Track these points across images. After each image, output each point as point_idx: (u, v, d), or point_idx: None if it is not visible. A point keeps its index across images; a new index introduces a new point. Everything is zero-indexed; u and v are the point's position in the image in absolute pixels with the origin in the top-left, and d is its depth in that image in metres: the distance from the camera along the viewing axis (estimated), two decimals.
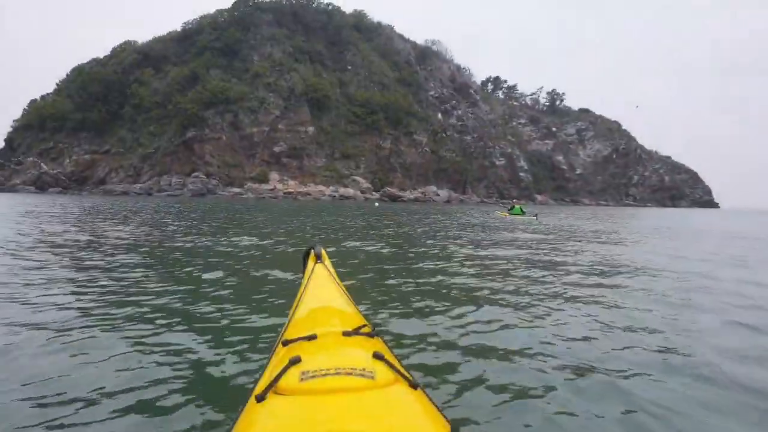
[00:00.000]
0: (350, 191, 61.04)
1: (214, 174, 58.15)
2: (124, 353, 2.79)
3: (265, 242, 8.99)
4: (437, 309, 4.03)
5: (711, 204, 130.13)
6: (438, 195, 69.25)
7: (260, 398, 1.00)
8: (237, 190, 56.42)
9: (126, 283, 4.83)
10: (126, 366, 2.60)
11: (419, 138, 74.30)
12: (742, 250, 10.87)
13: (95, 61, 74.68)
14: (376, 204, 42.49)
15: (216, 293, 4.48)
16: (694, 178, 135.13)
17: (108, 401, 2.20)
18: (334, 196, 58.70)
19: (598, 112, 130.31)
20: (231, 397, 2.22)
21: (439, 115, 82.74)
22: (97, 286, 4.64)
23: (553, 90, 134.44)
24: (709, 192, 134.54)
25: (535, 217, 20.43)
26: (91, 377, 2.45)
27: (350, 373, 1.02)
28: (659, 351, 3.15)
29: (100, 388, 2.31)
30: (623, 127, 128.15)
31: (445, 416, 1.04)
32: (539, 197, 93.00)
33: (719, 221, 31.76)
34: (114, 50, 76.74)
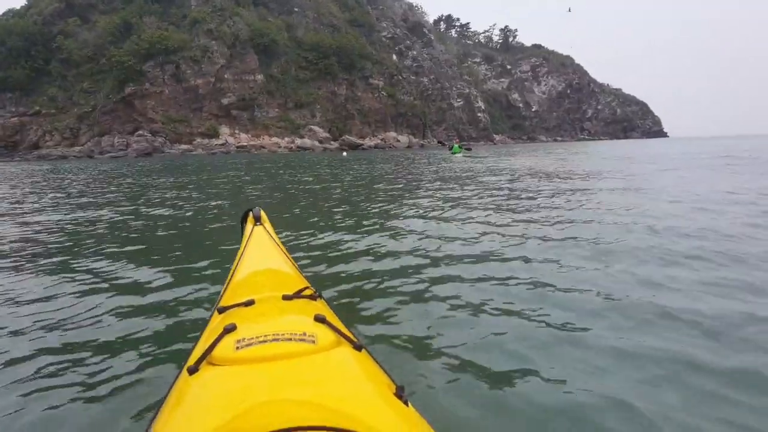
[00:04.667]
0: (308, 142, 58.79)
1: (160, 131, 54.26)
2: (50, 319, 2.70)
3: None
4: (387, 265, 3.70)
5: (661, 134, 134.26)
6: (398, 141, 67.93)
7: (192, 370, 0.94)
8: (185, 146, 53.27)
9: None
10: (52, 335, 2.49)
11: (375, 82, 71.68)
12: None
13: (12, 13, 67.22)
14: (344, 153, 42.74)
15: (151, 258, 4.15)
16: (644, 109, 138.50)
17: (33, 372, 2.10)
18: (291, 148, 56.43)
19: (550, 48, 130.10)
20: (163, 371, 2.05)
21: (394, 57, 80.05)
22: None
23: (506, 27, 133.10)
24: (659, 122, 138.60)
25: (460, 153, 24.85)
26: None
27: (290, 339, 0.97)
28: None
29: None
30: (576, 62, 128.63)
31: (391, 377, 1.01)
32: (497, 137, 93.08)
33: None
34: None
